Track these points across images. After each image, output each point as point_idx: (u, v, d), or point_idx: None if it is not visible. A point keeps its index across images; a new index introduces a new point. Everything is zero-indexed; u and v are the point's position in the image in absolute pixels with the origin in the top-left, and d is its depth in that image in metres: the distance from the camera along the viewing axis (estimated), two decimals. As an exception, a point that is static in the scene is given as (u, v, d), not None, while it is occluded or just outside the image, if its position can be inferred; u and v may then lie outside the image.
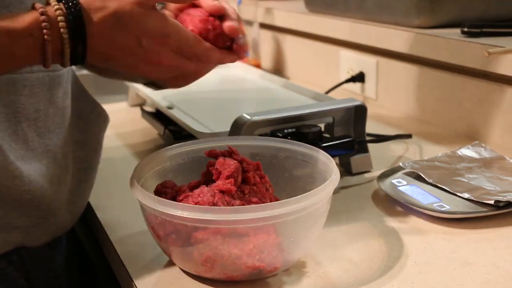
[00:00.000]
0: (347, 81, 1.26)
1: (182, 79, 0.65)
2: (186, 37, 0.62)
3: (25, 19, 0.54)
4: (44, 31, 0.54)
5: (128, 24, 0.57)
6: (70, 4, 0.55)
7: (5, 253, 0.64)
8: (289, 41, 1.53)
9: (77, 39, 0.55)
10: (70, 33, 0.55)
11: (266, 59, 1.62)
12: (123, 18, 0.57)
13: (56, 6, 0.55)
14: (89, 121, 0.76)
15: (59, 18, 0.54)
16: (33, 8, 0.55)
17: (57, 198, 0.67)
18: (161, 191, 0.63)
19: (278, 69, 1.58)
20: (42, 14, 0.54)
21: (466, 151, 0.86)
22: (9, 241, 0.64)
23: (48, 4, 0.56)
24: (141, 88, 1.08)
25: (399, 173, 0.80)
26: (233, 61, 0.67)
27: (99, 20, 0.56)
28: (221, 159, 0.62)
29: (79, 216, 0.74)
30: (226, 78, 1.20)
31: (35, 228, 0.65)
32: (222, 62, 0.66)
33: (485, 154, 0.85)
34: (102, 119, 0.79)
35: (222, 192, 0.60)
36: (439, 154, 0.85)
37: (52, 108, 0.67)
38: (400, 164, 0.81)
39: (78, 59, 0.57)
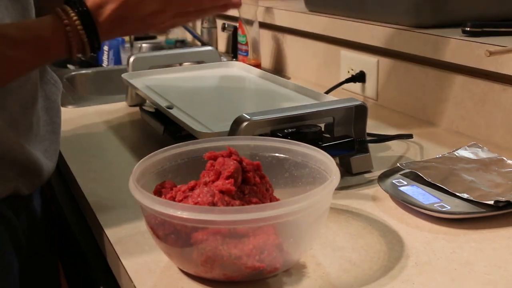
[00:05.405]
0: (348, 80, 1.26)
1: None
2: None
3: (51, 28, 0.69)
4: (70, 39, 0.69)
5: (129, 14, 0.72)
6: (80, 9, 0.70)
7: (4, 198, 0.75)
8: (289, 41, 1.52)
9: (92, 38, 0.71)
10: (87, 35, 0.70)
11: (266, 59, 1.62)
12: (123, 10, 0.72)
13: (73, 14, 0.69)
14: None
15: (79, 27, 0.69)
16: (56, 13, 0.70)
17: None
18: (160, 192, 0.63)
19: (278, 69, 1.58)
20: (66, 25, 0.69)
21: (464, 152, 0.86)
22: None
23: (65, 11, 0.70)
24: (141, 88, 1.07)
25: (400, 174, 0.80)
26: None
27: (105, 18, 0.71)
28: (220, 159, 0.62)
29: (53, 169, 0.84)
30: (226, 78, 1.19)
31: (23, 179, 0.77)
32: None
33: (482, 155, 0.85)
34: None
35: (222, 192, 0.59)
36: (437, 155, 0.85)
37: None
38: (398, 164, 0.81)
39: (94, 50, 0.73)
